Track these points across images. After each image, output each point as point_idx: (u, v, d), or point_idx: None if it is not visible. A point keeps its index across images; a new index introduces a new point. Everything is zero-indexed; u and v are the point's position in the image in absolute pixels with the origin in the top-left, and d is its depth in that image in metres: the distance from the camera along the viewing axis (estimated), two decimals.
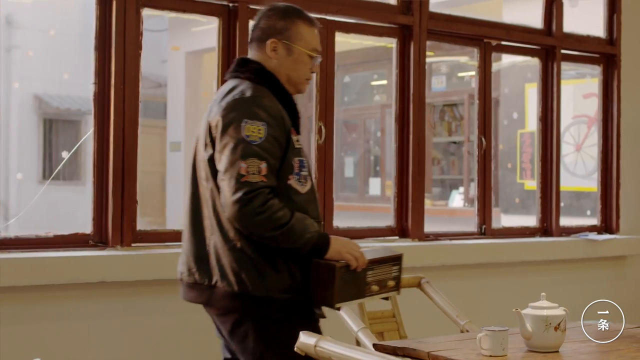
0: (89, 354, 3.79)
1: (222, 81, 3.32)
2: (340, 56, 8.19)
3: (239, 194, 2.77)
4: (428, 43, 4.91)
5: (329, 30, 4.59)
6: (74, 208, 9.05)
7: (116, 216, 3.92)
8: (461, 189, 8.85)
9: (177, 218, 8.36)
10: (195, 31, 9.94)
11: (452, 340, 2.94)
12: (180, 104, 10.57)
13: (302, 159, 2.95)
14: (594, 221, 5.83)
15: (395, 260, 3.07)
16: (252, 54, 3.06)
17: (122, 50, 3.93)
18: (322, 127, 4.57)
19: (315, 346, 2.41)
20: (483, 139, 5.21)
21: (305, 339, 2.45)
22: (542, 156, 5.52)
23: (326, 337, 2.42)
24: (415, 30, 4.85)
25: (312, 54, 3.01)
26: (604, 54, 5.78)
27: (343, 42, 5.84)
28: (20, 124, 11.26)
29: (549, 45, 5.50)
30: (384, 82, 10.21)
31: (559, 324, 2.80)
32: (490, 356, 2.70)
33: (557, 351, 2.81)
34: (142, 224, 4.08)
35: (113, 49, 3.92)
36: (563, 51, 5.55)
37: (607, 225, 5.78)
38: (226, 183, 2.80)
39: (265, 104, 2.87)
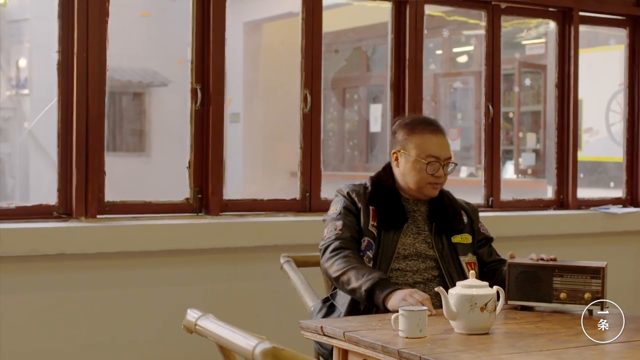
0: (48, 327, 3.74)
1: None
2: None
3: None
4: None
5: None
6: (139, 179, 9.11)
7: (80, 187, 3.85)
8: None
9: (236, 189, 8.28)
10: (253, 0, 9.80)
11: (379, 320, 2.77)
12: (239, 75, 10.47)
13: (372, 242, 3.13)
14: (620, 193, 5.51)
15: (594, 272, 2.94)
16: None
17: (85, 17, 3.85)
18: (308, 95, 4.41)
19: (195, 324, 2.28)
20: (490, 107, 4.95)
21: (190, 316, 2.31)
22: (558, 124, 5.21)
23: (208, 315, 2.28)
24: None
25: (426, 160, 3.14)
26: (630, 16, 5.40)
27: None
28: None
29: (566, 7, 5.16)
30: (439, 51, 9.96)
31: (485, 304, 2.60)
32: (407, 337, 2.53)
33: (487, 333, 2.62)
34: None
35: (75, 15, 3.84)
36: (582, 13, 5.21)
37: (633, 197, 5.45)
38: None
39: (344, 198, 3.21)
